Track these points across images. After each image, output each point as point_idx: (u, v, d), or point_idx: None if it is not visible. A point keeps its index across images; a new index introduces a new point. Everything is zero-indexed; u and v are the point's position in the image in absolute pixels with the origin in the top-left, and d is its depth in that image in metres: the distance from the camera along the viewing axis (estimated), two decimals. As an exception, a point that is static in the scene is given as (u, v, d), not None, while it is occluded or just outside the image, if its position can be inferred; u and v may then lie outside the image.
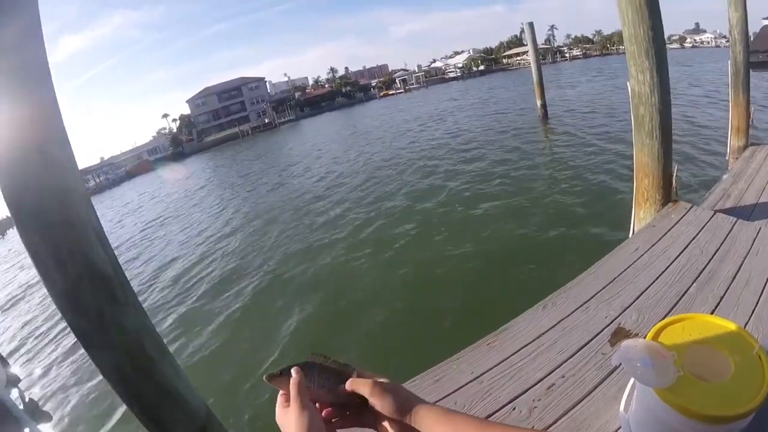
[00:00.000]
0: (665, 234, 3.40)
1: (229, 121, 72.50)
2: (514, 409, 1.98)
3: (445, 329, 5.15)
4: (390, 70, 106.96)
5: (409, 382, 2.29)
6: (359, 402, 0.82)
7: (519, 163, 12.04)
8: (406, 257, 7.66)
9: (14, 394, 4.74)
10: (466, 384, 2.16)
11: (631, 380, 1.85)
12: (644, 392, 1.52)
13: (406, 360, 4.47)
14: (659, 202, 3.82)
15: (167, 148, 67.87)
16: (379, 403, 0.79)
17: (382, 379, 0.83)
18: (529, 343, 2.36)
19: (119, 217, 22.46)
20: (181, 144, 68.03)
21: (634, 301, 2.62)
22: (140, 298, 2.11)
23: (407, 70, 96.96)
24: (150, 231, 16.25)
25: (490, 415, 1.97)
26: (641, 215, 3.92)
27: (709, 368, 1.40)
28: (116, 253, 1.95)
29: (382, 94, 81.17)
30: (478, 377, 2.19)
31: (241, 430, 4.52)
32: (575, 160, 11.26)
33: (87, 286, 1.82)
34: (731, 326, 1.51)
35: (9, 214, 1.67)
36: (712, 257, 2.96)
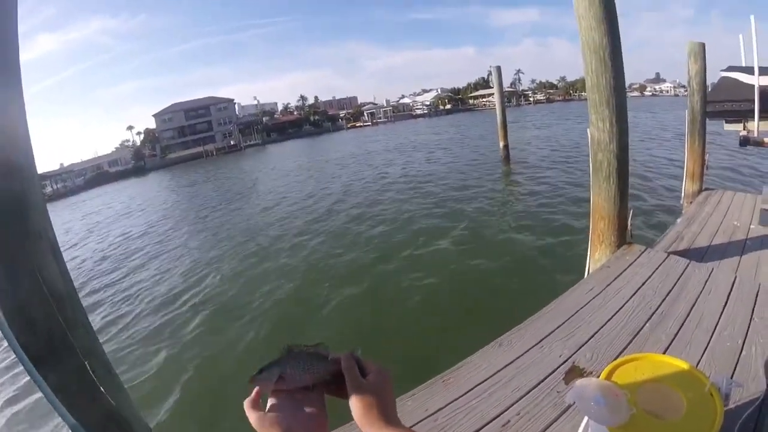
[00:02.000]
0: (619, 275, 3.46)
1: (195, 139, 70.90)
2: (466, 448, 1.94)
3: (398, 364, 5.05)
4: (359, 102, 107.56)
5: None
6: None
7: (477, 202, 12.04)
8: (361, 281, 7.58)
9: None
10: (420, 421, 2.09)
11: (585, 418, 1.86)
12: (598, 430, 1.52)
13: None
14: (614, 243, 3.89)
15: (129, 161, 65.75)
16: (353, 403, 0.75)
17: (377, 372, 0.80)
18: (485, 380, 2.33)
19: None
20: (143, 158, 66.16)
21: (588, 340, 2.63)
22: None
23: (376, 104, 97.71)
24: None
25: None
26: (596, 256, 3.99)
27: (662, 406, 1.41)
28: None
29: (349, 125, 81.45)
30: (432, 414, 2.13)
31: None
32: (534, 200, 11.38)
33: (38, 304, 1.71)
34: (683, 365, 1.54)
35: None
36: (665, 298, 3.03)
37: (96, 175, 57.91)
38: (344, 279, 7.78)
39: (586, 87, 3.75)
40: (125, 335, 7.29)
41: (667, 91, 79.03)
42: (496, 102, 18.65)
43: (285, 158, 37.84)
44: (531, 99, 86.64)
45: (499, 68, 19.03)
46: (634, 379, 1.53)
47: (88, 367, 1.89)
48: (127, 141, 77.61)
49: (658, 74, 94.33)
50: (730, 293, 2.97)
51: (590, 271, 3.99)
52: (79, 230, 19.56)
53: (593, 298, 3.15)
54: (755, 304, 2.81)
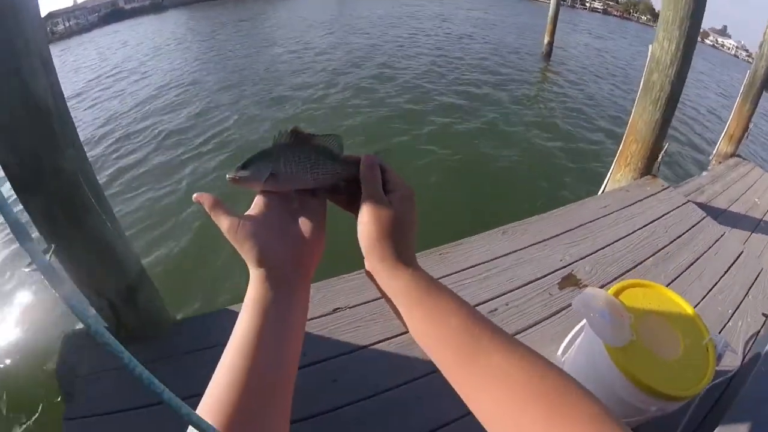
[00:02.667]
0: (636, 202, 3.38)
1: None
2: (451, 324, 1.94)
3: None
4: None
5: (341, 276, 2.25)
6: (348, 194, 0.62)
7: (508, 89, 11.46)
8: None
9: None
10: None
11: (576, 327, 1.84)
12: (591, 343, 1.50)
13: (345, 255, 4.41)
14: (639, 170, 3.76)
15: None
16: (365, 222, 0.57)
17: (403, 191, 0.60)
18: (482, 263, 2.32)
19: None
20: None
21: (591, 254, 2.60)
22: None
23: None
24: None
25: None
26: (617, 177, 3.87)
27: (659, 342, 1.39)
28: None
29: None
30: None
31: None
32: (565, 104, 10.83)
33: (24, 119, 1.56)
34: (689, 309, 1.51)
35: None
36: (674, 240, 2.97)
37: (111, 11, 55.02)
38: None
39: (662, 1, 3.42)
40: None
41: (728, 49, 73.73)
42: None
43: (314, 8, 35.65)
44: (587, 4, 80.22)
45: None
46: (639, 305, 1.50)
47: (76, 192, 1.77)
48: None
49: (725, 27, 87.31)
50: (734, 263, 2.89)
51: (607, 188, 3.90)
52: (95, 67, 17.42)
53: (605, 215, 3.09)
54: (753, 283, 2.74)
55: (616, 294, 1.52)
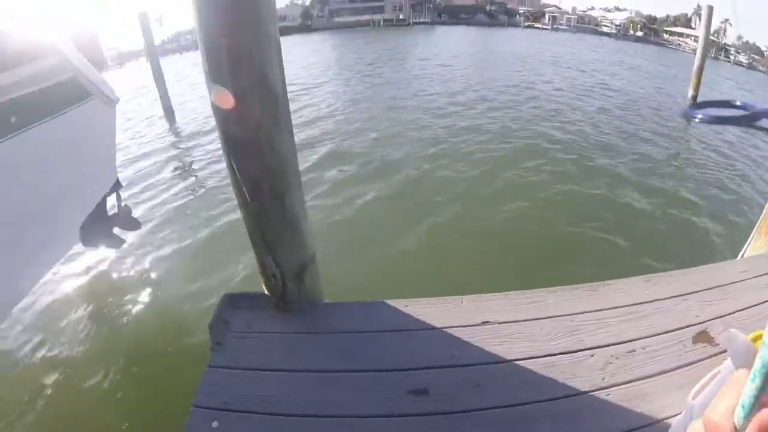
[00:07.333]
0: (775, 270, 3.29)
1: (365, 7, 70.29)
2: (592, 356, 2.12)
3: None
4: (542, 2, 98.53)
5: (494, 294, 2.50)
6: None
7: (646, 144, 11.29)
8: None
9: (112, 198, 5.27)
10: (557, 316, 2.31)
11: (709, 375, 1.93)
12: (724, 382, 1.58)
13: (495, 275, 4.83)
14: None
15: (297, 18, 69.58)
16: None
17: None
18: (624, 306, 2.44)
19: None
20: (310, 18, 70.25)
21: (725, 315, 2.59)
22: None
23: (560, 8, 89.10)
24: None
25: (568, 353, 2.14)
26: (757, 245, 3.74)
27: None
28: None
29: (527, 24, 75.08)
30: (569, 315, 2.33)
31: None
32: (709, 159, 10.40)
33: (255, 98, 1.87)
34: None
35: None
36: (816, 312, 2.89)
37: None
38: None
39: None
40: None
41: None
42: (699, 45, 15.90)
43: (451, 42, 36.35)
44: (732, 57, 74.51)
45: (711, 9, 16.05)
46: None
47: (284, 171, 2.12)
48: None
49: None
50: None
51: (746, 255, 3.83)
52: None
53: (743, 279, 3.01)
54: None
55: (753, 340, 1.60)
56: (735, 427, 0.42)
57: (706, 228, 6.99)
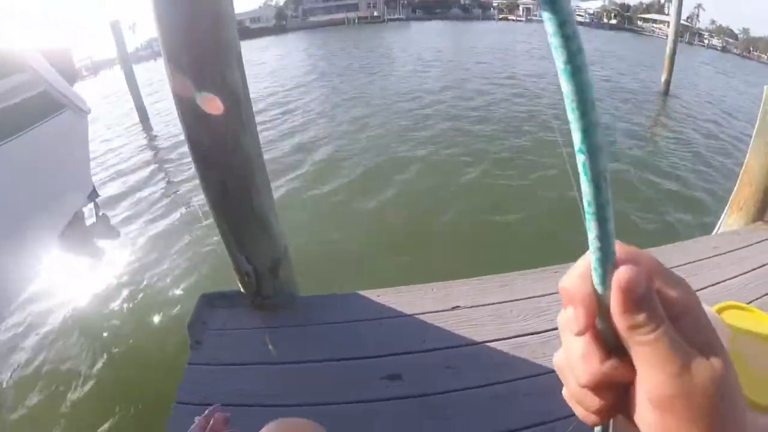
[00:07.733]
0: (746, 246, 3.37)
1: (338, 5, 70.41)
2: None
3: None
4: None
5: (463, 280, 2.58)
6: None
7: (622, 124, 11.62)
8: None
9: (90, 207, 5.25)
10: (526, 298, 2.43)
11: None
12: None
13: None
14: (752, 215, 3.70)
15: (271, 19, 68.64)
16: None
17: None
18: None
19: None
20: (285, 18, 69.26)
21: (697, 290, 2.68)
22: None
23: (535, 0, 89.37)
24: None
25: (537, 333, 2.24)
26: (729, 221, 3.81)
27: (755, 357, 1.49)
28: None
29: (501, 17, 76.05)
30: (538, 296, 2.45)
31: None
32: (681, 141, 10.56)
33: (218, 102, 1.93)
34: None
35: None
36: (782, 286, 2.96)
37: (238, 29, 60.27)
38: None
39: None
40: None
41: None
42: (669, 31, 16.21)
43: (425, 38, 36.29)
44: (706, 41, 75.24)
45: (682, -5, 16.40)
46: (739, 324, 1.61)
47: (248, 169, 2.17)
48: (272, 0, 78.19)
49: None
50: None
51: (720, 231, 3.93)
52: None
53: (715, 255, 3.16)
54: None
55: (718, 311, 1.66)
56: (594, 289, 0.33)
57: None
